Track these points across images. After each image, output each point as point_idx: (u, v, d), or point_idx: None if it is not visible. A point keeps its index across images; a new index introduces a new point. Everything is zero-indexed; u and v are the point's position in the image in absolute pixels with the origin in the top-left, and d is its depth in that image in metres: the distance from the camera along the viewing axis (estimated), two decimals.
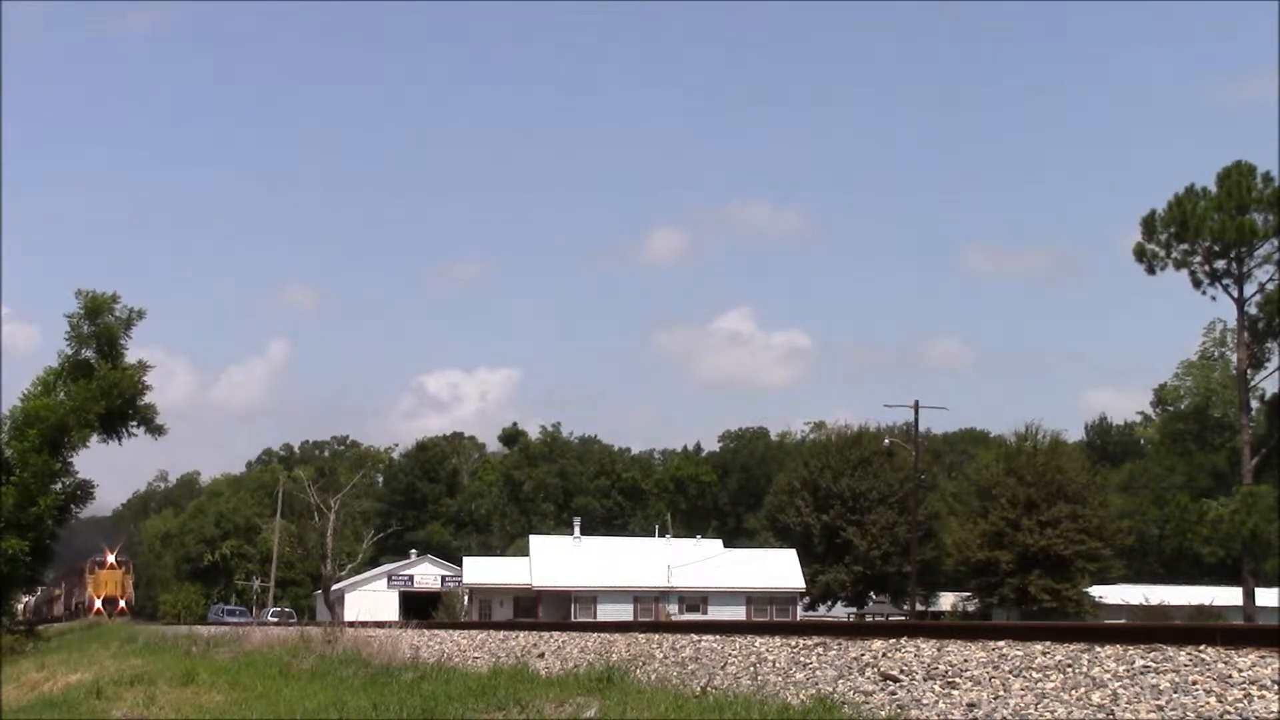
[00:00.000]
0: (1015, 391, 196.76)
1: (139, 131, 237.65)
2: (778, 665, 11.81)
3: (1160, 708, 8.00)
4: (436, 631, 21.98)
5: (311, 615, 77.04)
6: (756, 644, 12.93)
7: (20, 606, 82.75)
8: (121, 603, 77.04)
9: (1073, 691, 8.68)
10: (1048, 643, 10.19)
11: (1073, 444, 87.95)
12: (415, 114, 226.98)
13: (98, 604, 75.01)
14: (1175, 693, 8.21)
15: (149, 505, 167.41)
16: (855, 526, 79.32)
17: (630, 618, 60.64)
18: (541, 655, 15.91)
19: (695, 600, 73.47)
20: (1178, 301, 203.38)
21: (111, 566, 79.37)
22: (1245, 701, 7.84)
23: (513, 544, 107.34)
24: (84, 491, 48.10)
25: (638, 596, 72.37)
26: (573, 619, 63.52)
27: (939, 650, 10.65)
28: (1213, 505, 60.66)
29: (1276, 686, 7.93)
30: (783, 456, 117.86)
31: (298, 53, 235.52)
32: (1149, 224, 59.93)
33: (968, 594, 74.29)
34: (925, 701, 9.37)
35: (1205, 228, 57.97)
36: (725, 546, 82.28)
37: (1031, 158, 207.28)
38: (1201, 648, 9.12)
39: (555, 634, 17.50)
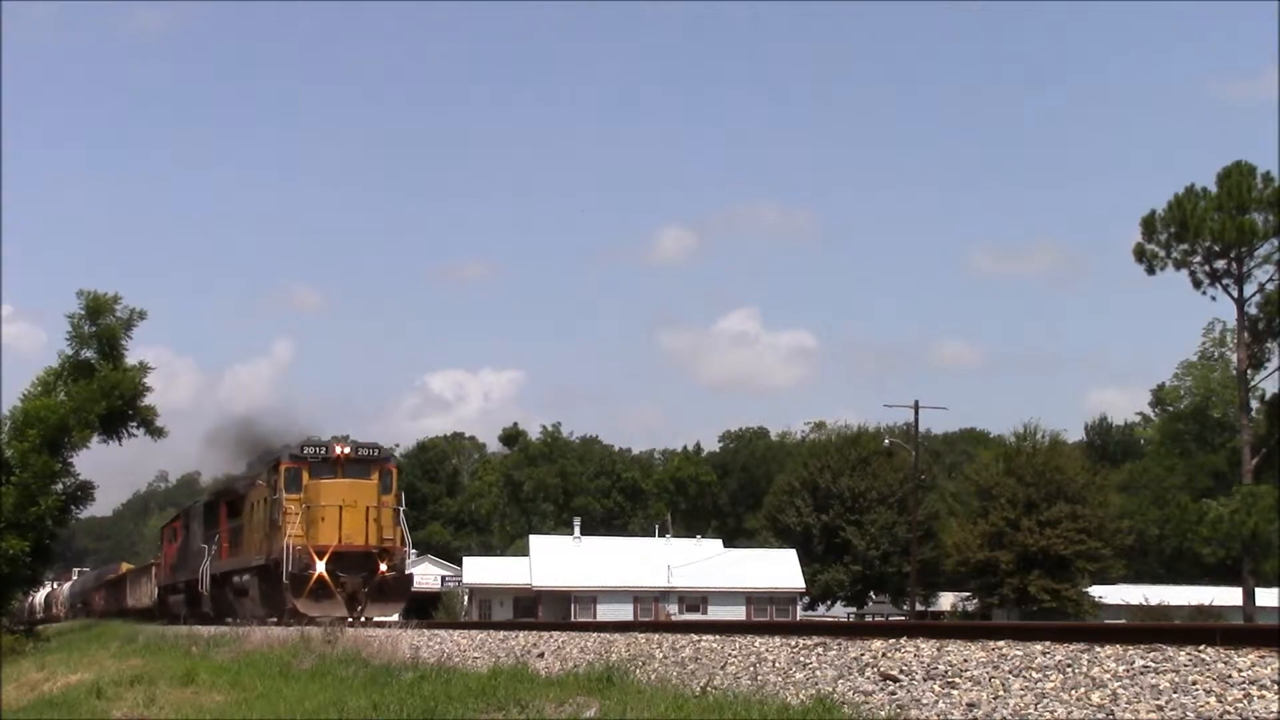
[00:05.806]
0: (1018, 392, 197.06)
1: (144, 131, 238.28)
2: (777, 665, 11.80)
3: (1160, 708, 8.00)
4: (436, 631, 21.94)
5: None
6: (756, 644, 12.92)
7: (38, 600, 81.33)
8: (383, 566, 30.75)
9: (1072, 691, 8.68)
10: (1048, 643, 10.18)
11: (1073, 444, 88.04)
12: (420, 114, 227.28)
13: (320, 568, 29.65)
14: (1175, 693, 8.21)
15: (149, 505, 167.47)
16: (855, 526, 79.37)
17: (630, 618, 60.62)
18: (541, 655, 15.89)
19: (695, 600, 73.51)
20: (1178, 301, 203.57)
21: (343, 460, 31.38)
22: (1245, 701, 7.84)
23: (513, 544, 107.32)
24: (84, 492, 48.09)
25: (638, 596, 72.40)
26: (573, 619, 63.50)
27: (939, 650, 10.65)
28: (1213, 505, 60.67)
29: (1276, 686, 7.93)
30: (783, 456, 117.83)
31: (301, 53, 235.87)
32: (1149, 224, 60.04)
33: (968, 594, 74.33)
34: (925, 701, 9.37)
35: (1205, 228, 58.08)
36: (725, 546, 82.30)
37: (1034, 158, 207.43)
38: (1201, 648, 9.11)
39: (555, 634, 17.46)
